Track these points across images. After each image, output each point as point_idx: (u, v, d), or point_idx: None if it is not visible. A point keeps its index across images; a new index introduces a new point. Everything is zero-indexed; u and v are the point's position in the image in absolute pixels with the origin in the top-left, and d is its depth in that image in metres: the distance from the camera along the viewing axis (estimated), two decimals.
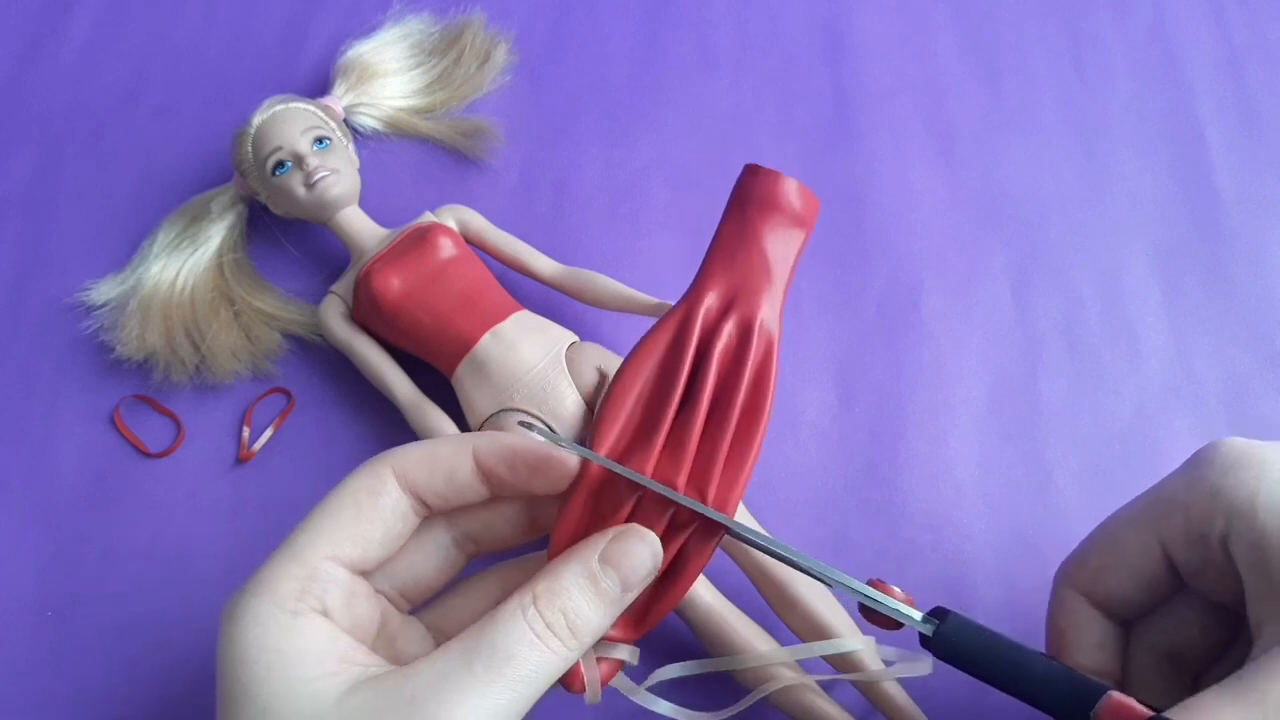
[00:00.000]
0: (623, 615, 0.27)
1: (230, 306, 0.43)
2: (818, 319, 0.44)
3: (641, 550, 0.26)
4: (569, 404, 0.38)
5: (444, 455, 0.27)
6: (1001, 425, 0.41)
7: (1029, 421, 0.41)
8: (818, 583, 0.35)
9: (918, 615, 0.28)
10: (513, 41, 0.50)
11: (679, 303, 0.30)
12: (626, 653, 0.28)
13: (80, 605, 0.39)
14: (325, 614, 0.25)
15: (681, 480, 0.28)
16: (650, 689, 0.30)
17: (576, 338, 0.40)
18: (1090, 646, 0.30)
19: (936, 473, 0.41)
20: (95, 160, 0.48)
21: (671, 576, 0.28)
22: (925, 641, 0.28)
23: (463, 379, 0.39)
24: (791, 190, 0.30)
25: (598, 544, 0.26)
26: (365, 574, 0.27)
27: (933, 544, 0.39)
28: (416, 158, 0.48)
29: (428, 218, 0.42)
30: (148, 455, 0.41)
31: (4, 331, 0.44)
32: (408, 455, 0.27)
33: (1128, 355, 0.43)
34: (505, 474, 0.27)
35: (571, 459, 0.27)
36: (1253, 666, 0.24)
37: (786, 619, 0.36)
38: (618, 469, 0.27)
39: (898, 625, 0.28)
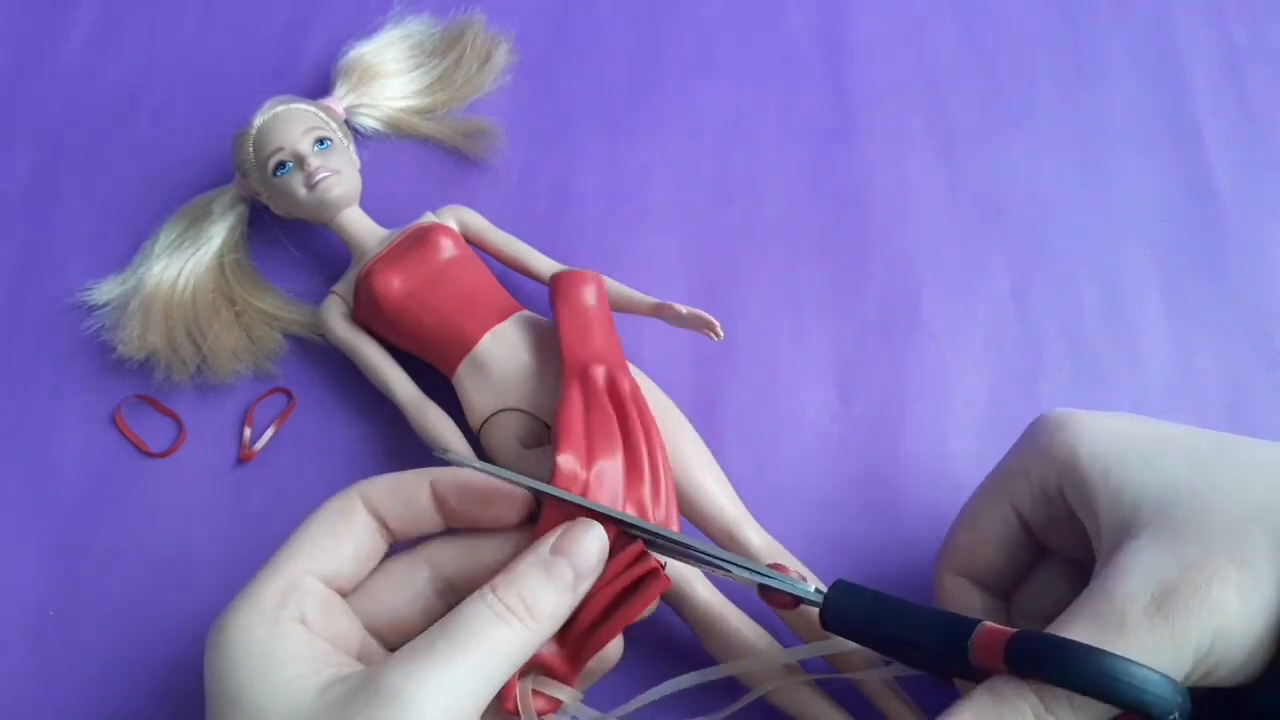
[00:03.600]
0: (564, 648, 0.30)
1: (231, 307, 0.43)
2: (818, 319, 0.44)
3: (589, 539, 0.28)
4: None
5: (405, 484, 0.30)
6: (1001, 425, 0.41)
7: (1027, 421, 0.41)
8: (815, 581, 0.36)
9: (811, 588, 0.30)
10: (513, 42, 0.50)
11: (568, 371, 0.36)
12: (568, 695, 0.30)
13: (81, 605, 0.39)
14: (303, 622, 0.27)
15: (647, 497, 0.33)
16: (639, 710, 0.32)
17: None
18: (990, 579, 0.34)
19: (936, 473, 0.41)
20: (96, 160, 0.48)
21: (612, 612, 0.30)
22: (821, 615, 0.30)
23: (463, 379, 0.39)
24: (588, 282, 0.39)
25: (550, 538, 0.28)
26: (342, 591, 0.29)
27: (933, 544, 0.39)
28: (417, 158, 0.48)
29: (428, 218, 0.42)
30: (149, 455, 0.41)
31: (5, 331, 0.44)
32: (374, 483, 0.30)
33: (1128, 355, 0.43)
34: (456, 504, 0.30)
35: (517, 495, 0.30)
36: (1095, 582, 0.27)
37: (785, 617, 0.36)
38: (566, 496, 0.30)
39: (796, 603, 0.30)
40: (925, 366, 0.43)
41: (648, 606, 0.29)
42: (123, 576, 0.39)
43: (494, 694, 0.26)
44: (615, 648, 0.31)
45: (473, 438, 0.39)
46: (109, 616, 0.38)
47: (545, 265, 0.42)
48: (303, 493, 0.40)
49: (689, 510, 0.37)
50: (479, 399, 0.38)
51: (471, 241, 0.42)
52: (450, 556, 0.30)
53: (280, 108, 0.43)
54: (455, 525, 0.30)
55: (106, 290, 0.44)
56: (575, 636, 0.29)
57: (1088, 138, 0.48)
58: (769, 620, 0.36)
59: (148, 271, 0.43)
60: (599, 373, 0.36)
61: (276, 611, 0.27)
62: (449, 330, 0.39)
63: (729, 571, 0.30)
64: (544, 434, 0.37)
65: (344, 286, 0.42)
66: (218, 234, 0.44)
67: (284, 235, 0.45)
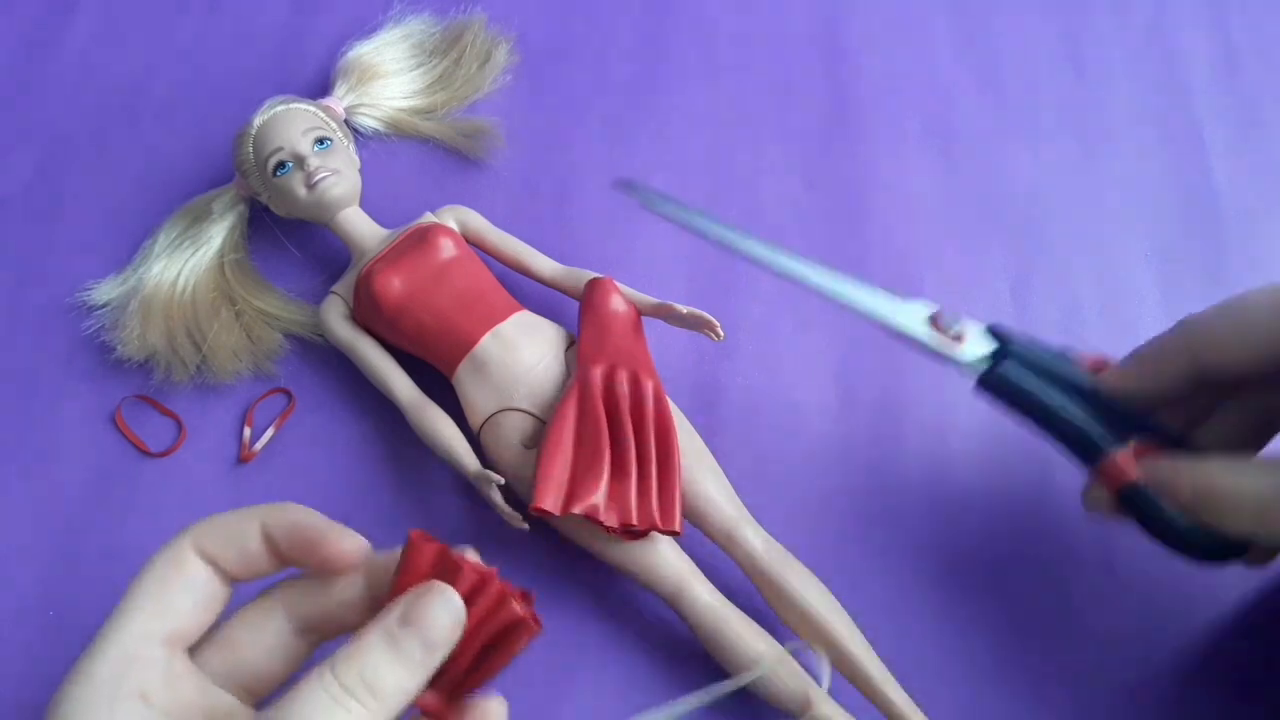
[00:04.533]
0: (439, 683, 0.26)
1: (231, 307, 0.43)
2: (818, 319, 0.44)
3: (439, 610, 0.25)
4: None
5: (234, 526, 0.28)
6: (1002, 425, 0.41)
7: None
8: (814, 582, 0.36)
9: (967, 356, 0.34)
10: (513, 42, 0.50)
11: (573, 379, 0.37)
12: None
13: (81, 605, 0.39)
14: (143, 698, 0.25)
15: (633, 499, 0.34)
16: None
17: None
18: (1159, 385, 0.33)
19: (937, 473, 0.41)
20: (96, 161, 0.48)
21: (481, 662, 0.27)
22: (984, 377, 0.34)
23: (463, 379, 0.39)
24: (614, 289, 0.40)
25: (396, 607, 0.25)
26: (187, 644, 0.27)
27: (933, 545, 0.39)
28: (417, 158, 0.48)
29: (428, 218, 0.42)
30: (149, 455, 0.41)
31: (5, 331, 0.44)
32: (203, 527, 0.28)
33: None
34: (286, 549, 0.27)
35: (348, 543, 0.27)
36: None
37: (785, 618, 0.36)
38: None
39: None
40: (925, 366, 0.43)
41: (514, 655, 0.26)
42: (123, 576, 0.39)
43: None
44: (498, 710, 0.27)
45: (473, 438, 0.39)
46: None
47: (545, 265, 0.42)
48: (303, 493, 0.40)
49: (688, 510, 0.37)
50: (479, 399, 0.38)
51: (471, 241, 0.42)
52: (302, 595, 0.28)
53: (280, 108, 0.43)
54: (291, 566, 0.28)
55: (106, 290, 0.44)
56: (449, 681, 0.26)
57: (1087, 138, 0.48)
58: (768, 619, 0.36)
59: (148, 271, 0.43)
60: (597, 374, 0.37)
61: (114, 689, 0.25)
62: (449, 330, 0.39)
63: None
64: (544, 434, 0.37)
65: (344, 286, 0.42)
66: (218, 234, 0.44)
67: (284, 235, 0.45)
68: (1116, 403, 0.33)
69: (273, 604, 0.28)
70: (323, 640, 0.29)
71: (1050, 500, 0.40)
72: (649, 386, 0.37)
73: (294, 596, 0.28)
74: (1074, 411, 0.33)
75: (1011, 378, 0.33)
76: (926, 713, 0.34)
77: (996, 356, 0.34)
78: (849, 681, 0.35)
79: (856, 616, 0.36)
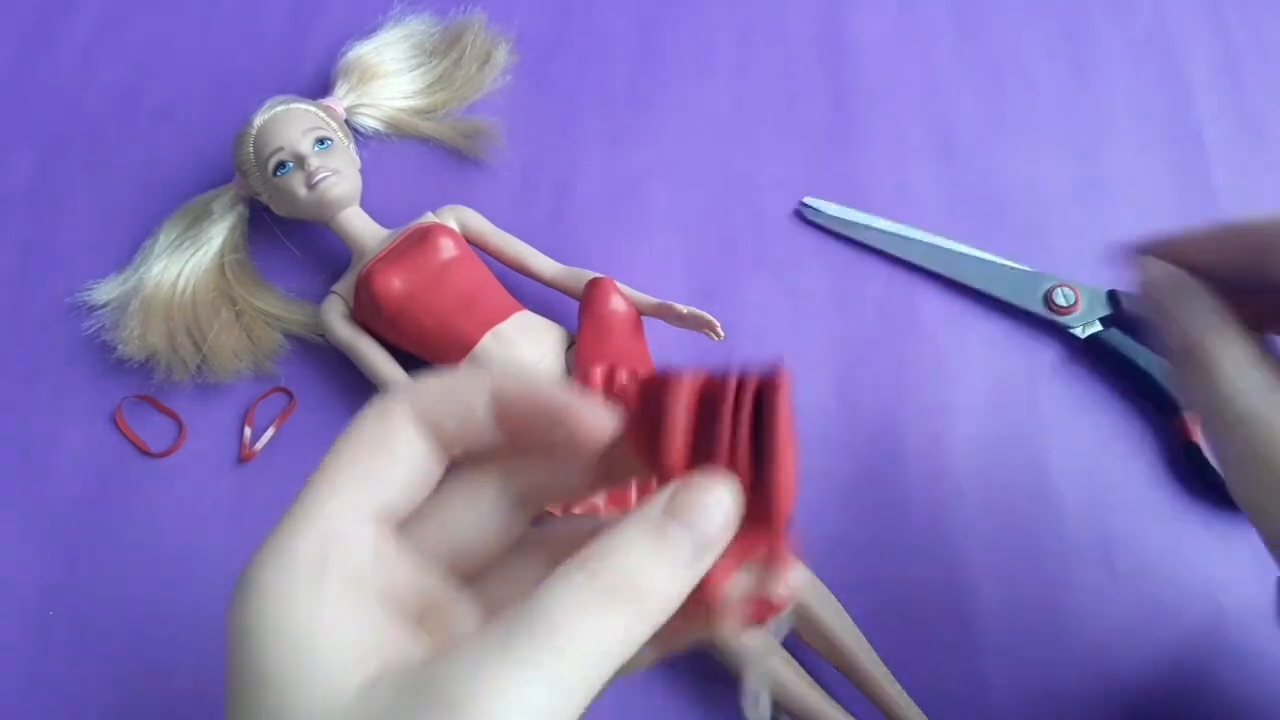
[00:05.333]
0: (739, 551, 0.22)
1: (232, 306, 0.43)
2: (818, 319, 0.44)
3: (714, 499, 0.22)
4: None
5: (459, 390, 0.23)
6: (1002, 425, 0.41)
7: (1029, 422, 0.41)
8: (817, 582, 0.36)
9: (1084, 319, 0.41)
10: (513, 42, 0.50)
11: (573, 379, 0.36)
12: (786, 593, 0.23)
13: (82, 605, 0.39)
14: (350, 581, 0.21)
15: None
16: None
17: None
18: (1211, 260, 0.29)
19: (936, 472, 0.41)
20: (97, 161, 0.48)
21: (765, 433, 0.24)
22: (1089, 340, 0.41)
23: None
24: (614, 290, 0.40)
25: (660, 497, 0.21)
26: (395, 527, 0.23)
27: (933, 545, 0.39)
28: (417, 158, 0.48)
29: (429, 218, 0.42)
30: (149, 455, 0.41)
31: (5, 331, 0.44)
32: (421, 388, 0.24)
33: None
34: (518, 422, 0.23)
35: (596, 418, 0.23)
36: None
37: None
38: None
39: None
40: (925, 366, 0.43)
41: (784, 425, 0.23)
42: (123, 576, 0.39)
43: (594, 697, 0.20)
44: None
45: None
46: (109, 616, 0.38)
47: (545, 265, 0.42)
48: None
49: None
50: None
51: (472, 241, 0.42)
52: (519, 461, 0.24)
53: (280, 108, 0.43)
54: (521, 446, 0.24)
55: (106, 290, 0.44)
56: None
57: (1087, 138, 0.48)
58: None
59: (148, 271, 0.43)
60: (598, 374, 0.37)
61: (316, 574, 0.21)
62: (449, 330, 0.39)
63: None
64: None
65: (344, 286, 0.42)
66: (218, 234, 0.44)
67: (284, 235, 0.45)
68: None
69: (485, 472, 0.24)
70: (539, 511, 0.25)
71: (1050, 500, 0.40)
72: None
73: (509, 463, 0.24)
74: (1160, 370, 0.40)
75: (1112, 342, 0.41)
76: (925, 711, 0.34)
77: (1105, 323, 0.41)
78: (848, 679, 0.35)
79: (856, 616, 0.36)
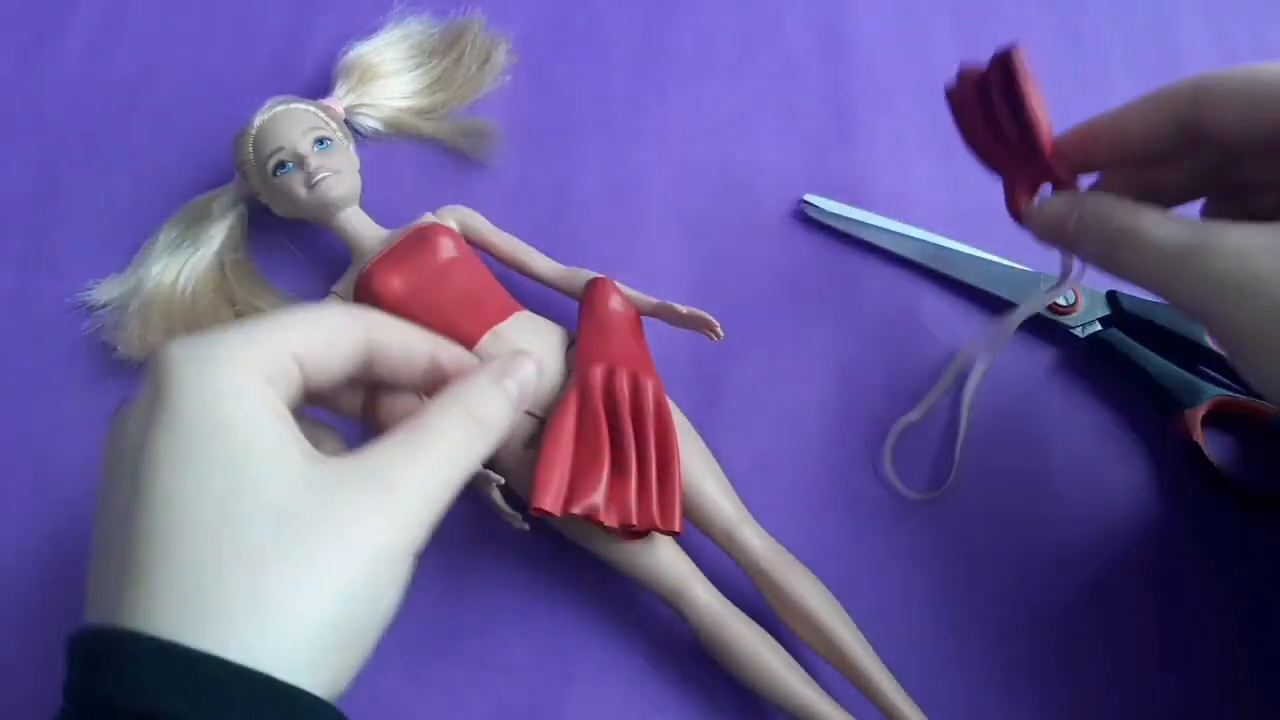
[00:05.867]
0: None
1: (231, 307, 0.43)
2: (818, 319, 0.44)
3: (528, 365, 0.31)
4: None
5: (414, 349, 0.30)
6: (1000, 425, 0.41)
7: (1028, 422, 0.41)
8: (814, 582, 0.36)
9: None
10: (513, 42, 0.50)
11: (573, 379, 0.37)
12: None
13: (81, 605, 0.39)
14: (289, 397, 0.27)
15: (633, 499, 0.35)
16: None
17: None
18: (1144, 129, 0.34)
19: (936, 473, 0.41)
20: (97, 161, 0.48)
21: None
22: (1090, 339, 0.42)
23: None
24: (614, 290, 0.40)
25: (497, 363, 0.30)
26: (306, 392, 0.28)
27: (933, 545, 0.39)
28: (417, 158, 0.48)
29: (428, 218, 0.42)
30: None
31: (5, 331, 0.44)
32: (383, 326, 0.29)
33: None
34: (389, 374, 0.30)
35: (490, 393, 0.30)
36: None
37: (784, 618, 0.36)
38: None
39: None
40: (925, 366, 0.43)
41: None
42: None
43: (456, 489, 0.27)
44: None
45: None
46: None
47: (545, 265, 0.42)
48: None
49: (689, 510, 0.37)
50: None
51: (471, 241, 0.42)
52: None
53: (280, 108, 0.43)
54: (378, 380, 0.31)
55: (106, 290, 0.44)
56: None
57: None
58: (769, 620, 0.36)
59: (148, 272, 0.43)
60: (598, 374, 0.37)
61: (266, 377, 0.26)
62: (449, 330, 0.39)
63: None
64: (544, 433, 0.37)
65: (344, 286, 0.42)
66: (218, 234, 0.44)
67: (284, 235, 0.45)
68: (1209, 362, 0.40)
69: (362, 333, 0.29)
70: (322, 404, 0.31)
71: (1050, 500, 0.40)
72: (649, 387, 0.37)
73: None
74: (1160, 370, 0.40)
75: (1112, 342, 0.41)
76: (926, 713, 0.34)
77: (1105, 323, 0.42)
78: (849, 681, 0.35)
79: (856, 616, 0.36)
